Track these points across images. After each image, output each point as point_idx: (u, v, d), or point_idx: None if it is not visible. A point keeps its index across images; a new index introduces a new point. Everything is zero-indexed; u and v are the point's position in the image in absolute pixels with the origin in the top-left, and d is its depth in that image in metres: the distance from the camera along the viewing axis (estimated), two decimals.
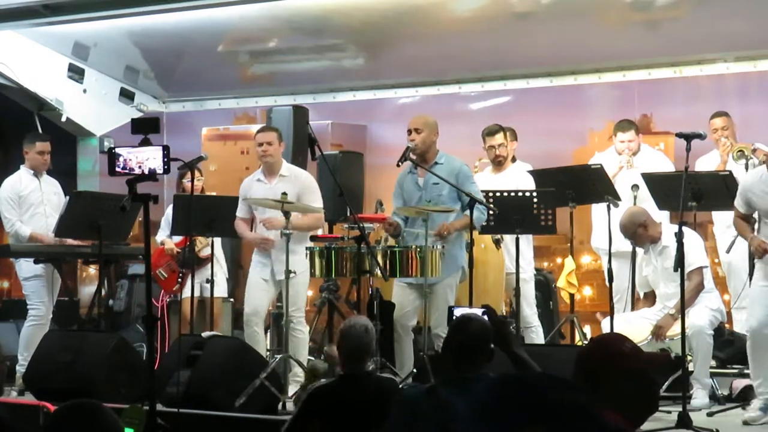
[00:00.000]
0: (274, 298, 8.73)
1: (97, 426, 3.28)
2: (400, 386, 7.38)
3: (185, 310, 9.10)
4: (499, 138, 8.99)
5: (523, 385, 3.22)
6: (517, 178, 8.84)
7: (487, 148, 9.04)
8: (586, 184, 8.58)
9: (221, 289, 9.42)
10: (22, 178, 9.33)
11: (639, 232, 8.03)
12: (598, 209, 8.89)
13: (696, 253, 7.84)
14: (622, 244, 8.22)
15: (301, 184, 8.45)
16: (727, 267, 8.86)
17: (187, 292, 8.92)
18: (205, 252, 9.28)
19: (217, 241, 9.20)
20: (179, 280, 9.39)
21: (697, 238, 8.09)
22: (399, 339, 8.00)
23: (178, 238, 9.44)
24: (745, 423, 7.14)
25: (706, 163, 8.82)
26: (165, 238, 9.52)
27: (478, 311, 4.76)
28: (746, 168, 8.41)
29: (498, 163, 9.04)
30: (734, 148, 8.66)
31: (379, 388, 5.62)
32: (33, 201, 9.29)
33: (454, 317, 4.93)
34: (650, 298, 8.33)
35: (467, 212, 7.69)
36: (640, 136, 9.12)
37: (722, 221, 8.69)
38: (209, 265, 9.07)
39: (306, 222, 8.42)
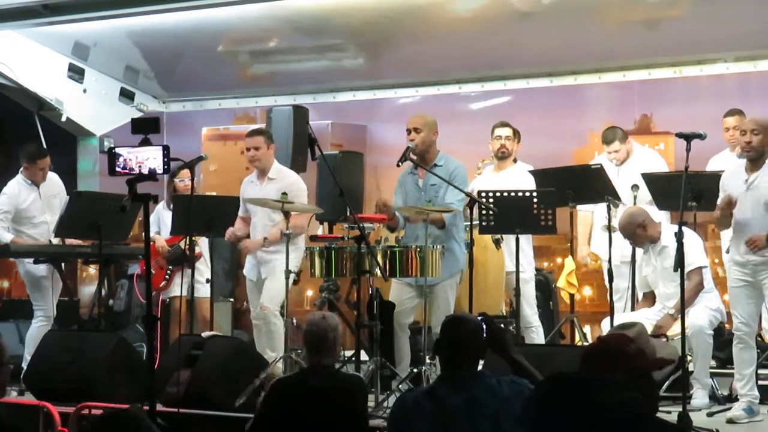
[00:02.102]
0: None
1: None
2: (396, 385, 7.40)
3: (176, 309, 9.07)
4: (507, 131, 9.03)
5: (569, 385, 3.18)
6: (519, 179, 8.84)
7: (494, 138, 9.05)
8: (586, 184, 8.57)
9: (206, 289, 9.27)
10: (21, 191, 9.23)
11: (638, 232, 8.04)
12: (599, 213, 8.89)
13: (695, 253, 7.85)
14: (622, 252, 8.24)
15: (286, 185, 8.44)
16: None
17: (176, 291, 8.91)
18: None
19: (205, 240, 9.17)
20: (167, 277, 9.38)
21: (697, 238, 8.09)
22: (396, 336, 8.01)
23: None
24: (730, 421, 7.15)
25: (719, 162, 8.77)
26: (154, 234, 9.47)
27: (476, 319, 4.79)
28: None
29: (501, 155, 9.04)
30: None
31: (341, 380, 5.63)
32: (34, 212, 9.26)
33: None
34: (650, 298, 8.33)
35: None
36: (628, 142, 9.01)
37: None
38: (198, 264, 9.09)
39: (276, 234, 8.40)
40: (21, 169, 9.30)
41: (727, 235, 8.64)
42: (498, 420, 4.46)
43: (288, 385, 5.52)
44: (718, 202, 7.33)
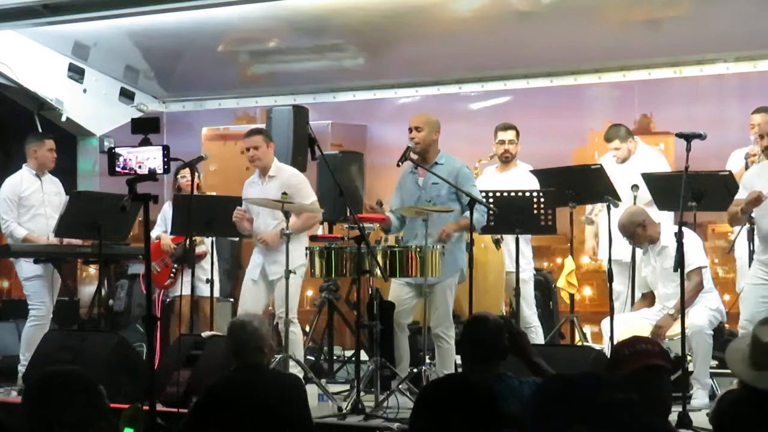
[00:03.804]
0: (271, 299, 8.74)
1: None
2: (396, 385, 7.39)
3: (181, 309, 9.06)
4: (511, 134, 9.02)
5: (570, 385, 3.19)
6: (523, 179, 8.83)
7: (498, 142, 9.04)
8: (586, 184, 8.58)
9: (207, 288, 9.25)
10: (23, 179, 9.29)
11: (638, 231, 8.04)
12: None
13: (695, 253, 7.84)
14: (623, 253, 8.24)
15: (287, 183, 8.42)
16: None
17: (184, 290, 8.89)
18: (199, 249, 9.28)
19: (209, 240, 9.16)
20: (172, 275, 9.38)
21: (697, 238, 8.09)
22: (396, 336, 8.01)
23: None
24: None
25: (739, 156, 8.75)
26: (161, 233, 9.49)
27: None
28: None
29: (505, 159, 9.04)
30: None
31: (276, 379, 5.58)
32: (34, 202, 9.27)
33: None
34: (648, 297, 8.33)
35: (466, 213, 7.68)
36: (631, 141, 8.97)
37: None
38: (203, 263, 9.07)
39: (298, 224, 8.38)
40: (27, 161, 9.33)
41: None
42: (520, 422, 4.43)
43: (223, 386, 5.40)
44: (742, 196, 7.28)
